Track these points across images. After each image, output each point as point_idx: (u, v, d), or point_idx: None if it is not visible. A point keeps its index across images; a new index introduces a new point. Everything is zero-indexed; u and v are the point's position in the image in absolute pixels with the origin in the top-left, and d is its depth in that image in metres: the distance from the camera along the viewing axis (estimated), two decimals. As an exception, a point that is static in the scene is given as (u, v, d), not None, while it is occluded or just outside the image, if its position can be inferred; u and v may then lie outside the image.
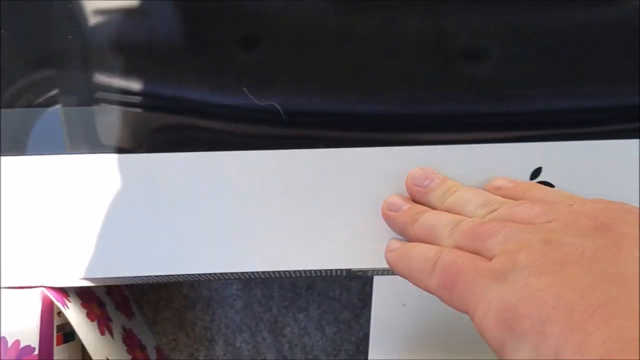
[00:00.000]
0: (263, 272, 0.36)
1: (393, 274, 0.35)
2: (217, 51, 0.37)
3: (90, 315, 0.40)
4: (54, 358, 0.35)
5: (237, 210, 0.36)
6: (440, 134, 0.36)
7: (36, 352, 0.34)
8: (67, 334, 0.38)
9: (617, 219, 0.25)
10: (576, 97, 0.36)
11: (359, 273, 0.36)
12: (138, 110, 0.37)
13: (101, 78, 0.37)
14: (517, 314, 0.23)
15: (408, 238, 0.33)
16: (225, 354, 0.56)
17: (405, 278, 0.32)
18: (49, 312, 0.36)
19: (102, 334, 0.40)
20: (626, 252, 0.23)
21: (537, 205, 0.28)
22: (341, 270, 0.36)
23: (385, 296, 0.54)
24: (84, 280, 0.35)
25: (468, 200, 0.32)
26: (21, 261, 0.35)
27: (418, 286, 0.30)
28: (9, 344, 0.33)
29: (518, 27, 0.36)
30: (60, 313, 0.37)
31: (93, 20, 0.37)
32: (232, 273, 0.36)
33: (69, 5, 0.36)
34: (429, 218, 0.32)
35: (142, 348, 0.49)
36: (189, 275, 0.36)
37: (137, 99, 0.37)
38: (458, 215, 0.31)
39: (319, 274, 0.37)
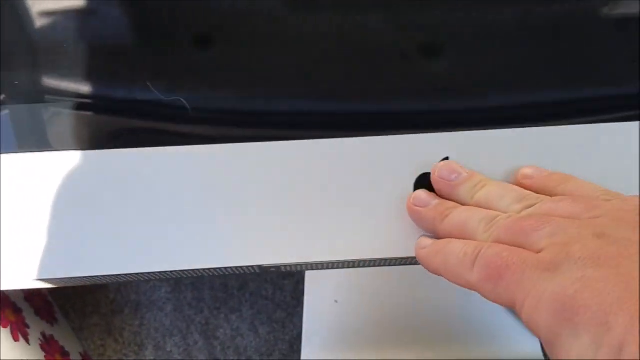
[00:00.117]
0: (194, 270, 0.35)
1: (312, 269, 0.34)
2: (165, 49, 0.36)
3: (2, 322, 0.38)
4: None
5: (189, 207, 0.34)
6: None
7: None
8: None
9: None
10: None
11: (272, 269, 0.35)
12: (85, 107, 0.35)
13: (47, 75, 0.35)
14: (575, 305, 0.22)
15: (437, 234, 0.32)
16: (156, 359, 0.55)
17: (440, 274, 0.30)
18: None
19: (16, 339, 0.38)
20: None
21: (579, 201, 0.28)
22: (253, 267, 0.35)
23: (318, 293, 0.54)
24: (38, 281, 0.34)
25: (501, 195, 0.31)
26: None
27: (455, 281, 0.29)
28: None
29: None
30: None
31: (39, 19, 0.35)
32: (182, 271, 0.35)
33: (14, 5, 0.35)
34: (460, 213, 0.31)
35: (65, 354, 0.47)
36: (138, 274, 0.34)
37: (84, 96, 0.35)
38: (492, 211, 0.30)
39: (230, 272, 0.36)
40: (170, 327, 0.55)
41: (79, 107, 0.36)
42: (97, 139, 0.36)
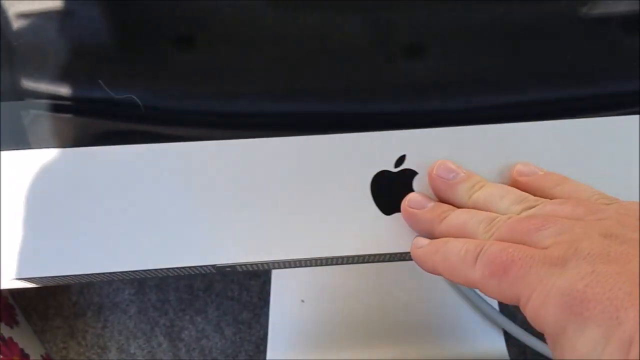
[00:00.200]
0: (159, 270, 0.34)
1: (273, 268, 0.34)
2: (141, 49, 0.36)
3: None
4: None
5: (146, 206, 0.34)
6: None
7: None
8: None
9: None
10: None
11: (228, 269, 0.35)
12: (54, 106, 0.35)
13: (23, 74, 0.35)
14: (585, 299, 0.22)
15: (434, 237, 0.32)
16: (119, 361, 0.54)
17: (437, 272, 0.30)
18: None
19: (-27, 341, 0.38)
20: None
21: (581, 204, 0.28)
22: (208, 266, 0.34)
23: (284, 293, 0.54)
24: (16, 281, 0.33)
25: (500, 196, 0.31)
26: None
27: (455, 279, 0.29)
28: None
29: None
30: None
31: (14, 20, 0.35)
32: (123, 272, 0.34)
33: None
34: (459, 215, 0.31)
35: (25, 356, 0.46)
36: (90, 275, 0.34)
37: (53, 96, 0.35)
38: (491, 213, 0.30)
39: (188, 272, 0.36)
40: (134, 330, 0.54)
41: (48, 106, 0.35)
42: (64, 138, 0.35)
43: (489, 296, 0.27)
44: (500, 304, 0.55)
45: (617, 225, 0.25)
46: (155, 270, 0.34)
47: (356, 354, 0.52)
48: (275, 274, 0.54)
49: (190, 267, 0.34)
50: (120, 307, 0.55)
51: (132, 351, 0.54)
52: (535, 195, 0.31)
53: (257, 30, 0.36)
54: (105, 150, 0.35)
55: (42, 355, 0.50)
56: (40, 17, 0.36)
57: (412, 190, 0.34)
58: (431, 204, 0.33)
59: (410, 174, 0.35)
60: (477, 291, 0.53)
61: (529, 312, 0.25)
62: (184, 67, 0.36)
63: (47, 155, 0.35)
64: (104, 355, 0.54)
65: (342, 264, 0.36)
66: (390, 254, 0.34)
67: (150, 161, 0.35)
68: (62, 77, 0.35)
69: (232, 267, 0.35)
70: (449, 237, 0.30)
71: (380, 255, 0.34)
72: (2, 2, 0.35)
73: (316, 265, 0.35)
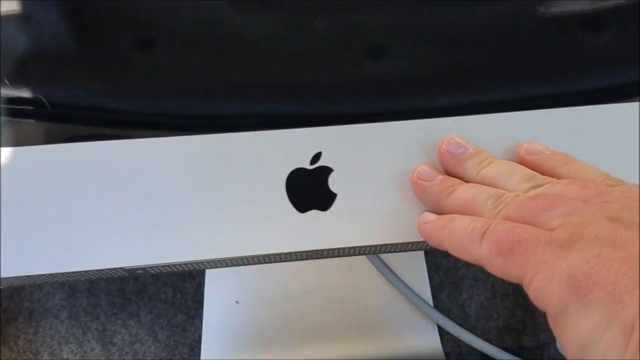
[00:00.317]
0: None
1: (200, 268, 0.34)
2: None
3: None
4: None
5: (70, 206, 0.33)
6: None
7: None
8: None
9: None
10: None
11: (139, 271, 0.35)
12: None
13: None
14: (590, 282, 0.23)
15: (441, 209, 0.32)
16: (51, 368, 0.53)
17: (444, 248, 0.30)
18: None
19: None
20: None
21: (589, 186, 0.28)
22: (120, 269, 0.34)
23: (218, 294, 0.53)
24: None
25: (508, 173, 0.31)
26: None
27: (461, 256, 0.29)
28: None
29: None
30: None
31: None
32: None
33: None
34: (467, 190, 0.31)
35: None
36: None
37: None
38: (499, 189, 0.30)
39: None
40: (65, 334, 0.54)
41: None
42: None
43: (493, 274, 0.27)
44: (434, 299, 0.56)
45: (623, 208, 0.26)
46: (63, 274, 0.33)
47: (291, 354, 0.52)
48: (210, 275, 0.54)
49: (98, 271, 0.33)
50: (52, 312, 0.54)
51: (64, 356, 0.53)
52: (542, 173, 0.31)
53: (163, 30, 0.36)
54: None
55: (-32, 364, 0.49)
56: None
57: (328, 188, 0.34)
58: (440, 177, 0.33)
59: (327, 171, 0.35)
60: (412, 287, 0.54)
61: (533, 291, 0.25)
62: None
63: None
64: (34, 362, 0.53)
65: (259, 263, 0.35)
66: (305, 252, 0.34)
67: (68, 161, 0.34)
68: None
69: (143, 270, 0.34)
70: (456, 211, 0.31)
71: (291, 254, 0.34)
72: None
73: (230, 266, 0.35)
